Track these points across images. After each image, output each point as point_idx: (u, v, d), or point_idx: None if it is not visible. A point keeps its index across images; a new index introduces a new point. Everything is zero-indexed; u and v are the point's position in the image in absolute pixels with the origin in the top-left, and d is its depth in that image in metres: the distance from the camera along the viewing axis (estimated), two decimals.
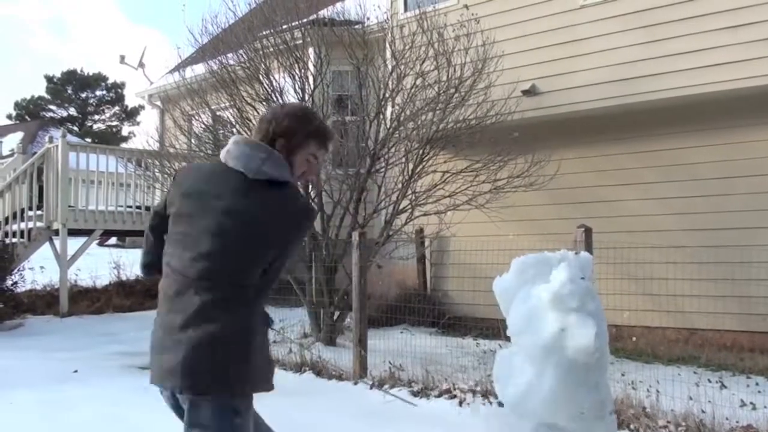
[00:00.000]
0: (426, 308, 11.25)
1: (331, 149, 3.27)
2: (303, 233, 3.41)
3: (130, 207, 14.56)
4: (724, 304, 10.03)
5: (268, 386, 3.20)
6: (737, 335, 9.89)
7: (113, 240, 26.83)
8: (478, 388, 7.38)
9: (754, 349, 9.34)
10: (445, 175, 10.33)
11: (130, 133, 57.60)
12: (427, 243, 12.45)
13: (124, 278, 16.15)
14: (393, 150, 10.65)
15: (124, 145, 37.49)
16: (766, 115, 9.80)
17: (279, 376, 8.70)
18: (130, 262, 16.51)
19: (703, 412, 6.21)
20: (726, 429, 5.93)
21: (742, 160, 9.98)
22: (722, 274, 10.00)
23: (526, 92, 10.87)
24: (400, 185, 10.57)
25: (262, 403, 7.39)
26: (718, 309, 10.06)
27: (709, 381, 7.84)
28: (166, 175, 12.64)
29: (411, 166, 10.45)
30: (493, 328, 9.58)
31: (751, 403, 6.74)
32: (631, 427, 6.16)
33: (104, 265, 16.44)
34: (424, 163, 10.46)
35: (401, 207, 10.56)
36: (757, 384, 7.94)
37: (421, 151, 10.40)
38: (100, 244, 24.13)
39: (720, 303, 10.05)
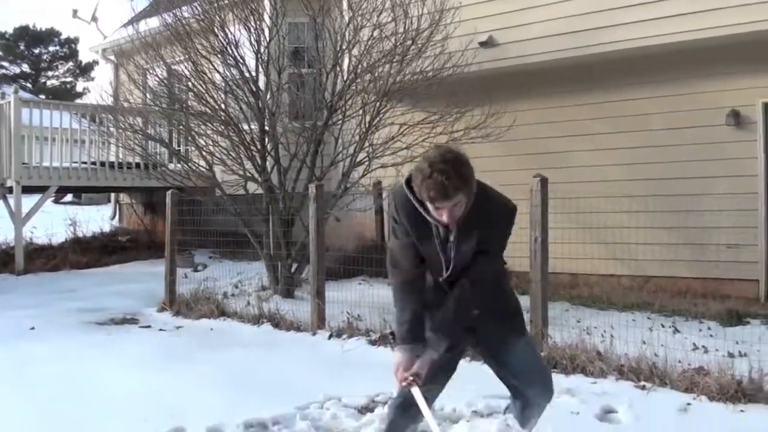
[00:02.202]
0: (384, 259, 11.26)
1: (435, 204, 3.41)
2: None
3: (85, 163, 14.36)
4: (677, 252, 10.19)
5: None
6: (690, 282, 10.06)
7: (69, 197, 26.54)
8: None
9: (707, 295, 9.50)
10: (403, 127, 10.31)
11: (84, 89, 56.57)
12: (384, 195, 12.45)
13: (80, 235, 16.02)
14: (350, 102, 10.60)
15: (78, 101, 36.86)
16: (713, 66, 9.89)
17: (236, 328, 8.83)
18: (86, 219, 16.40)
19: (656, 355, 6.33)
20: (678, 371, 6.03)
21: (690, 111, 10.08)
22: (674, 222, 10.15)
23: (483, 44, 10.85)
24: (357, 138, 10.55)
25: (220, 354, 7.46)
26: (672, 257, 10.22)
27: (663, 326, 7.98)
28: (120, 130, 12.50)
29: (368, 118, 10.41)
30: None
31: (703, 346, 6.87)
32: (587, 370, 6.27)
33: (60, 222, 16.29)
34: (381, 116, 10.43)
35: (358, 159, 10.56)
36: (709, 328, 8.09)
37: (378, 104, 10.37)
38: (56, 201, 23.86)
39: (673, 251, 10.21)
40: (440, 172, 3.26)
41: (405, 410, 3.83)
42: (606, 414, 5.36)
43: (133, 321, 9.56)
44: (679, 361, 6.24)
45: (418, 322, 3.66)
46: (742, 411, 5.34)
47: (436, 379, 3.77)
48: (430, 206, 3.41)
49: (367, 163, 10.56)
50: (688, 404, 5.51)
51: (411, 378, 3.57)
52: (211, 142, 11.03)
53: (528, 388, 3.82)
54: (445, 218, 3.39)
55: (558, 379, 6.13)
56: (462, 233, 3.52)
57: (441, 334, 3.62)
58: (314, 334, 8.31)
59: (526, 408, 3.90)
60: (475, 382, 6.11)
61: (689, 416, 5.33)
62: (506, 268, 3.89)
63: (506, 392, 4.55)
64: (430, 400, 3.76)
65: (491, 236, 3.55)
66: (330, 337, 8.10)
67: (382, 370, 6.66)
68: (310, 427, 5.19)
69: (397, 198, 3.62)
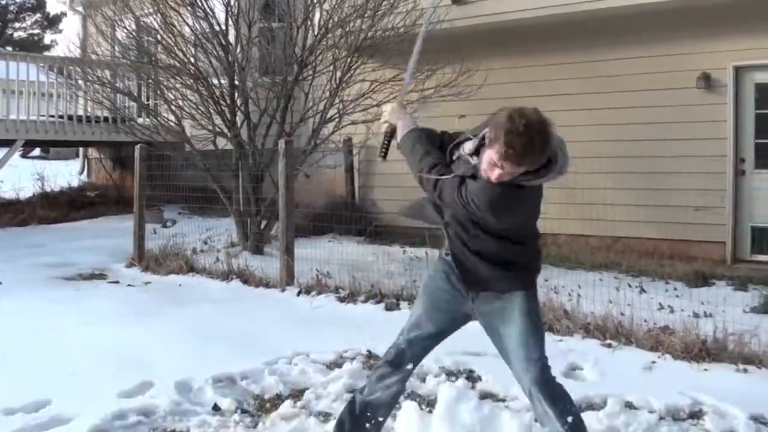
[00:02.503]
0: (354, 217, 11.30)
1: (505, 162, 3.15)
2: None
3: (53, 117, 14.14)
4: (645, 213, 10.26)
5: None
6: (658, 243, 10.15)
7: (37, 151, 26.25)
8: (404, 293, 7.48)
9: (674, 256, 9.59)
10: (373, 84, 10.25)
11: (52, 41, 55.57)
12: (355, 152, 12.42)
13: (48, 190, 15.84)
14: (321, 58, 10.51)
15: (46, 54, 36.31)
16: (685, 29, 9.92)
17: (205, 284, 8.80)
18: (54, 174, 16.23)
19: (622, 314, 6.40)
20: (644, 330, 6.12)
21: (661, 73, 10.11)
22: (644, 184, 10.22)
23: (455, 1, 10.78)
24: (327, 94, 10.47)
25: (189, 310, 7.44)
26: (640, 218, 10.29)
27: (630, 286, 8.06)
28: (88, 83, 12.33)
29: (339, 74, 10.34)
30: (420, 236, 9.70)
31: (669, 306, 6.95)
32: (554, 328, 6.32)
33: (28, 177, 16.09)
34: (352, 72, 10.36)
35: (329, 116, 10.48)
36: (675, 289, 8.19)
37: (349, 59, 10.29)
38: (24, 155, 23.59)
39: (642, 212, 10.27)
40: (538, 134, 3.08)
41: (396, 366, 3.69)
42: (572, 371, 5.42)
43: (101, 276, 9.50)
44: (645, 321, 6.32)
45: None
46: (705, 370, 5.43)
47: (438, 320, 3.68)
48: (489, 156, 3.19)
49: (337, 119, 10.49)
50: (653, 362, 5.59)
51: None
52: (180, 96, 10.91)
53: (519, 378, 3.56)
54: (494, 176, 3.18)
55: None
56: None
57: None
58: (283, 290, 8.31)
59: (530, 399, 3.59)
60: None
61: (654, 374, 5.40)
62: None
63: (474, 349, 4.60)
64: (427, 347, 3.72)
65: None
66: (299, 293, 8.11)
67: (351, 326, 6.73)
68: (278, 382, 5.21)
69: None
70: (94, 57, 12.42)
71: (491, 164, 3.17)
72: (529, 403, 3.54)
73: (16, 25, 58.34)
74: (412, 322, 3.69)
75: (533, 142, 3.06)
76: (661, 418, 4.48)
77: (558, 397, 3.44)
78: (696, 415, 4.55)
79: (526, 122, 3.06)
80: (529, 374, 3.41)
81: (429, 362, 5.51)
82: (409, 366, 3.69)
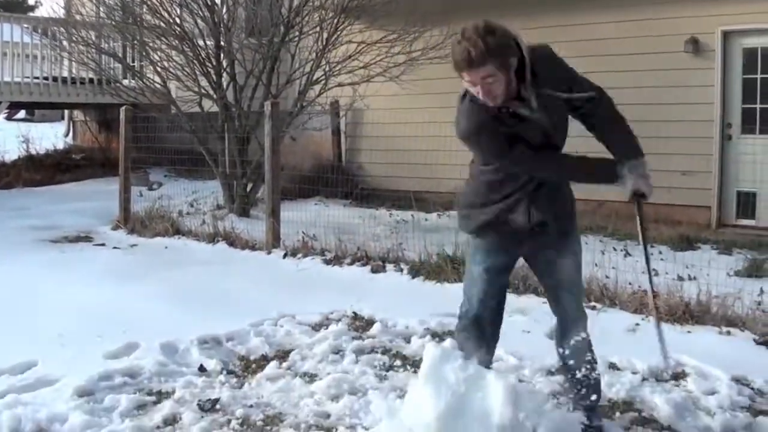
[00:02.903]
0: (340, 180, 11.26)
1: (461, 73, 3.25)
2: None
3: (38, 78, 14.02)
4: None
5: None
6: (644, 207, 10.16)
7: (22, 114, 26.04)
8: (390, 256, 7.49)
9: (659, 220, 9.58)
10: (360, 45, 10.20)
11: (36, 2, 55.03)
12: (341, 114, 12.36)
13: (33, 152, 15.74)
14: (307, 19, 10.43)
15: (30, 14, 35.90)
16: None
17: (191, 246, 8.80)
18: (40, 136, 16.11)
19: (607, 277, 6.43)
20: (628, 293, 6.14)
21: (649, 37, 10.04)
22: None
23: None
24: (314, 55, 10.40)
25: (175, 272, 7.45)
26: None
27: (615, 249, 8.09)
28: (73, 44, 12.21)
29: (325, 35, 10.27)
30: (407, 199, 9.68)
31: (654, 269, 6.96)
32: (538, 291, 6.33)
33: (13, 139, 15.97)
34: (338, 33, 10.31)
35: (315, 77, 10.42)
36: (660, 252, 8.19)
37: (335, 20, 10.23)
38: (8, 118, 23.37)
39: None
40: (468, 39, 3.15)
41: (479, 330, 3.78)
42: None
43: (87, 239, 9.48)
44: (630, 283, 6.33)
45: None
46: (689, 332, 5.46)
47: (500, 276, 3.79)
48: (467, 85, 3.29)
49: (323, 81, 10.43)
50: (637, 324, 5.62)
51: None
52: (165, 57, 10.83)
53: (561, 309, 3.78)
54: (481, 95, 3.25)
55: (510, 299, 6.20)
56: (541, 106, 3.37)
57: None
58: (269, 253, 8.31)
59: (560, 327, 3.81)
60: (429, 299, 6.20)
61: (637, 336, 5.43)
62: None
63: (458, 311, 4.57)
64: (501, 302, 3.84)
65: (569, 83, 3.49)
66: (285, 256, 8.11)
67: (337, 289, 6.74)
68: (263, 343, 5.22)
69: (464, 115, 3.43)
70: (78, 17, 12.32)
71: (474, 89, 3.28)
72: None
73: None
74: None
75: (473, 43, 3.16)
76: (644, 379, 4.51)
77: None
78: (679, 376, 4.58)
79: (462, 31, 3.21)
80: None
81: (414, 323, 5.54)
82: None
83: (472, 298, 3.76)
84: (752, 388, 4.38)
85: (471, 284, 3.77)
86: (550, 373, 4.43)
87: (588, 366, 3.65)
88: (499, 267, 3.74)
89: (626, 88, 10.04)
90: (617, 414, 4.03)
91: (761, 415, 4.01)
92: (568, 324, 3.71)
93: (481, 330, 3.76)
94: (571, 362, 3.70)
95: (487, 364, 3.70)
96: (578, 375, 3.66)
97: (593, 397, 3.70)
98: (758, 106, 9.63)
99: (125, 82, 12.26)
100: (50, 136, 16.96)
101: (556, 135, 3.49)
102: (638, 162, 3.57)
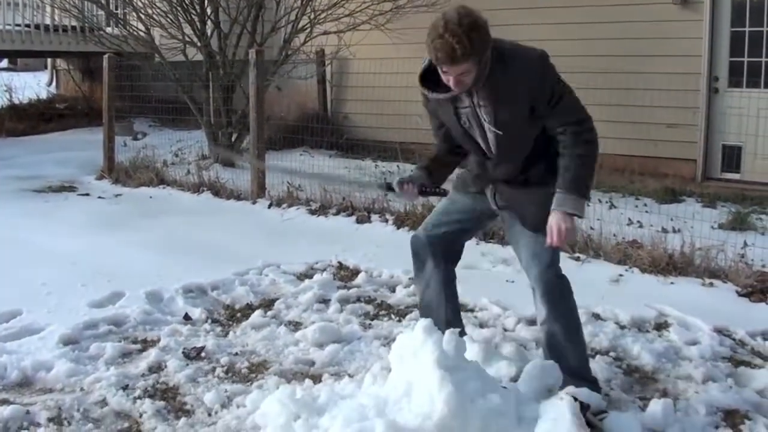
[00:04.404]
0: (326, 130, 11.20)
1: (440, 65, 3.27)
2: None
3: (19, 26, 13.82)
4: (617, 130, 10.20)
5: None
6: (629, 159, 10.13)
7: (4, 63, 25.74)
8: (375, 206, 7.49)
9: (644, 173, 9.62)
10: None
11: None
12: (327, 63, 12.26)
13: (16, 102, 15.55)
14: None
15: None
16: None
17: (176, 196, 8.77)
18: (22, 86, 15.93)
19: (591, 228, 6.45)
20: (612, 244, 6.18)
21: None
22: (616, 100, 10.14)
23: None
24: (299, 2, 10.29)
25: (160, 221, 7.43)
26: (612, 134, 10.18)
27: (600, 201, 8.07)
28: None
29: None
30: (392, 150, 9.66)
31: (638, 221, 6.99)
32: None
33: None
34: None
35: (300, 25, 10.32)
36: (645, 205, 8.21)
37: None
38: None
39: (613, 128, 10.20)
40: (452, 34, 3.12)
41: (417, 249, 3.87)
42: None
43: (71, 189, 9.42)
44: (614, 235, 6.38)
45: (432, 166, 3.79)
46: (672, 283, 5.51)
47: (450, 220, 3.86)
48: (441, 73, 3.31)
49: (309, 29, 10.33)
50: (621, 275, 5.66)
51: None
52: (148, 4, 10.66)
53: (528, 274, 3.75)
54: (451, 83, 3.28)
55: (495, 249, 6.28)
56: (488, 101, 3.42)
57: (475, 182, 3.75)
58: (254, 202, 8.29)
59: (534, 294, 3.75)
60: None
61: (621, 287, 5.48)
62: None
63: None
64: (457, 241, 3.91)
65: (528, 97, 3.43)
66: (270, 205, 8.09)
67: (322, 239, 6.75)
68: (248, 292, 5.23)
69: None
70: None
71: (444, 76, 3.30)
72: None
73: None
74: None
75: (457, 40, 3.14)
76: (626, 329, 4.55)
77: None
78: (661, 326, 4.62)
79: (444, 21, 3.17)
80: None
81: (398, 273, 5.56)
82: None
83: (427, 223, 3.91)
84: (733, 339, 4.44)
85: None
86: (532, 323, 4.44)
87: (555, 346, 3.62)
88: (463, 206, 3.86)
89: (614, 39, 10.07)
90: (600, 363, 4.05)
91: (742, 366, 4.06)
92: (534, 291, 3.73)
93: (420, 248, 3.86)
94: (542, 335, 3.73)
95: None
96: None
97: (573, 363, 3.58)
98: (746, 59, 9.58)
99: (108, 29, 12.11)
100: (33, 86, 16.78)
101: (503, 135, 3.49)
102: (572, 198, 3.48)
